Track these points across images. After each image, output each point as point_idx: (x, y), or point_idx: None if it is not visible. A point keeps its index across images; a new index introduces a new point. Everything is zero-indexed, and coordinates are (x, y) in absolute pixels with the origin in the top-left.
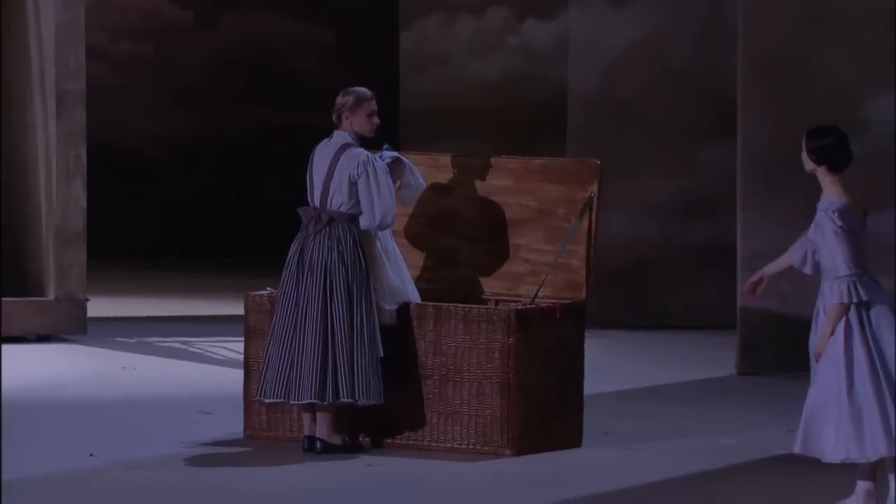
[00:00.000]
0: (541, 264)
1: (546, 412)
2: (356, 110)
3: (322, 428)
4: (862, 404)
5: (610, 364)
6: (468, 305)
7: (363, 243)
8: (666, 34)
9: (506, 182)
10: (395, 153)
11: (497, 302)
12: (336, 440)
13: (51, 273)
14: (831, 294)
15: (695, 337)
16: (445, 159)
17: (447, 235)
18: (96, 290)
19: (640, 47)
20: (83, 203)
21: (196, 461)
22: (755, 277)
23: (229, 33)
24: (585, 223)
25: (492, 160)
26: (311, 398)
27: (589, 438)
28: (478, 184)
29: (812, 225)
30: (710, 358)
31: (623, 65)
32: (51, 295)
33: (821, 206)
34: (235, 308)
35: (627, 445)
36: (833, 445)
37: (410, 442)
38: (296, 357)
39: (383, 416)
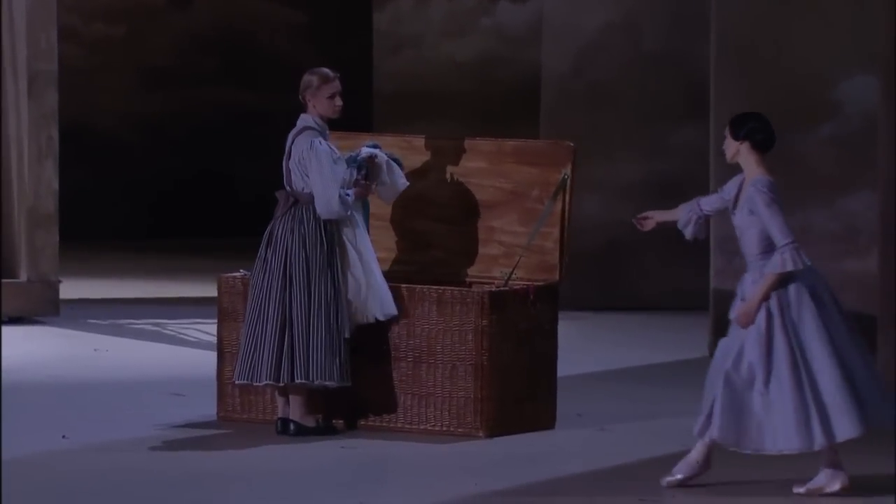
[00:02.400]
0: (514, 246)
1: (519, 394)
2: (317, 93)
3: (295, 410)
4: (774, 397)
5: (583, 346)
6: (442, 287)
7: (327, 225)
8: (639, 16)
9: (479, 164)
10: (372, 150)
11: (471, 284)
12: (309, 422)
13: (23, 255)
14: (766, 267)
15: (668, 318)
16: (419, 141)
17: (421, 218)
18: (68, 272)
19: (613, 29)
20: (55, 185)
21: (169, 443)
22: (647, 214)
23: (202, 14)
24: (559, 205)
25: (465, 142)
26: (267, 379)
27: (562, 420)
28: (451, 166)
29: (712, 199)
30: (682, 339)
31: (596, 47)
32: (23, 277)
33: (748, 184)
34: (208, 290)
35: (601, 427)
36: (753, 437)
37: (384, 424)
38: (259, 339)
39: (357, 399)
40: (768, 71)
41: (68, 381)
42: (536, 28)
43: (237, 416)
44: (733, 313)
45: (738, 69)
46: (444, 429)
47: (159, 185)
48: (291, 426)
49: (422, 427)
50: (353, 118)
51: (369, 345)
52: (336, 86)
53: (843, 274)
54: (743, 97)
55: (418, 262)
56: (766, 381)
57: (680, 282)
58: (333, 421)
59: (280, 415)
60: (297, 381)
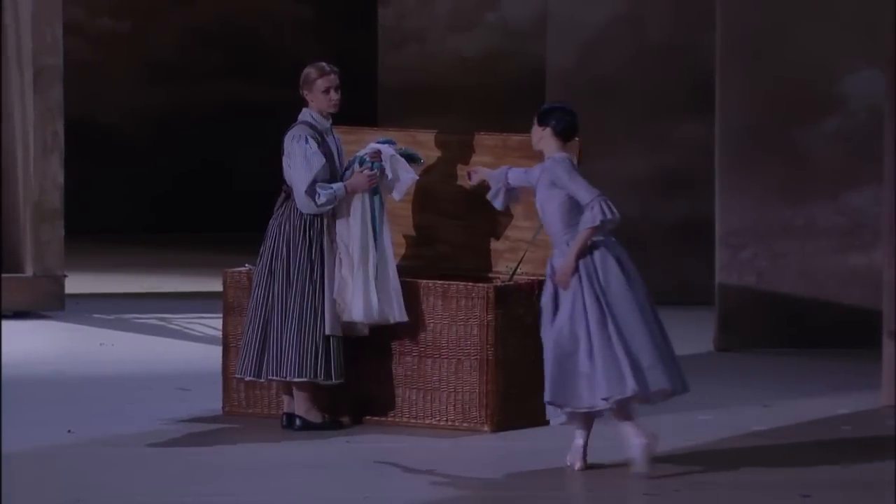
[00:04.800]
0: (519, 241)
1: (525, 388)
2: (313, 87)
3: (300, 405)
4: (595, 355)
5: None
6: (447, 282)
7: (314, 221)
8: (644, 10)
9: (484, 158)
10: (376, 146)
11: (476, 278)
12: (315, 417)
13: (28, 249)
14: (580, 225)
15: (672, 313)
16: (424, 136)
17: (426, 212)
18: (74, 266)
19: (618, 23)
20: (60, 179)
21: (174, 437)
22: (475, 168)
23: (206, 9)
24: None
25: (470, 137)
26: (250, 375)
27: None
28: (456, 160)
29: (518, 172)
30: (687, 334)
31: (601, 41)
32: (28, 271)
33: (546, 161)
34: (213, 284)
35: (605, 421)
36: (584, 396)
37: (389, 419)
38: (246, 334)
39: (362, 394)
40: (773, 64)
41: (74, 376)
42: (541, 22)
43: (242, 410)
44: (545, 297)
45: (743, 63)
46: (450, 423)
47: (164, 179)
48: (297, 421)
49: (427, 422)
50: (357, 113)
51: (374, 340)
52: (332, 80)
53: (848, 268)
54: (748, 91)
55: (423, 256)
56: (589, 342)
57: (685, 276)
58: (339, 416)
59: (286, 409)
60: (271, 377)
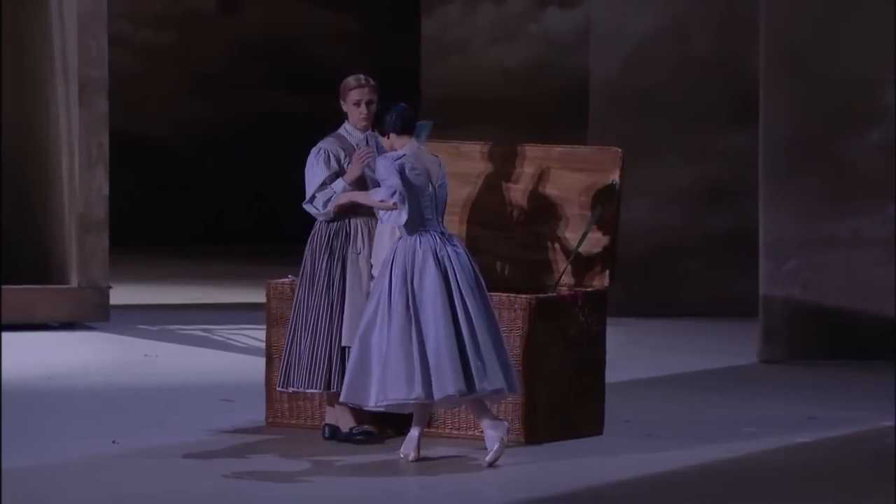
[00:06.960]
0: (562, 252)
1: (567, 400)
2: (346, 97)
3: (343, 416)
4: (390, 353)
5: (632, 352)
6: (490, 293)
7: (339, 234)
8: (687, 21)
9: (527, 170)
10: None
11: (519, 290)
12: (358, 429)
13: (73, 260)
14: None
15: (716, 325)
16: (466, 147)
17: (468, 223)
18: (118, 278)
19: (661, 34)
20: (105, 191)
21: (217, 448)
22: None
23: (251, 21)
24: (607, 211)
25: (513, 148)
26: (279, 386)
27: (610, 426)
28: (499, 172)
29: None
30: (731, 346)
31: (644, 52)
32: (73, 282)
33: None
34: (256, 296)
35: (649, 433)
36: (373, 393)
37: (433, 430)
38: (282, 346)
39: None
40: (817, 75)
41: (118, 387)
42: (584, 33)
43: (286, 421)
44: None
45: (786, 73)
46: None
47: (208, 190)
48: (340, 432)
49: (469, 433)
50: None
51: None
52: (363, 92)
53: (893, 280)
54: (791, 102)
55: None
56: (387, 340)
57: (729, 288)
58: (382, 427)
59: (328, 421)
60: (289, 388)
